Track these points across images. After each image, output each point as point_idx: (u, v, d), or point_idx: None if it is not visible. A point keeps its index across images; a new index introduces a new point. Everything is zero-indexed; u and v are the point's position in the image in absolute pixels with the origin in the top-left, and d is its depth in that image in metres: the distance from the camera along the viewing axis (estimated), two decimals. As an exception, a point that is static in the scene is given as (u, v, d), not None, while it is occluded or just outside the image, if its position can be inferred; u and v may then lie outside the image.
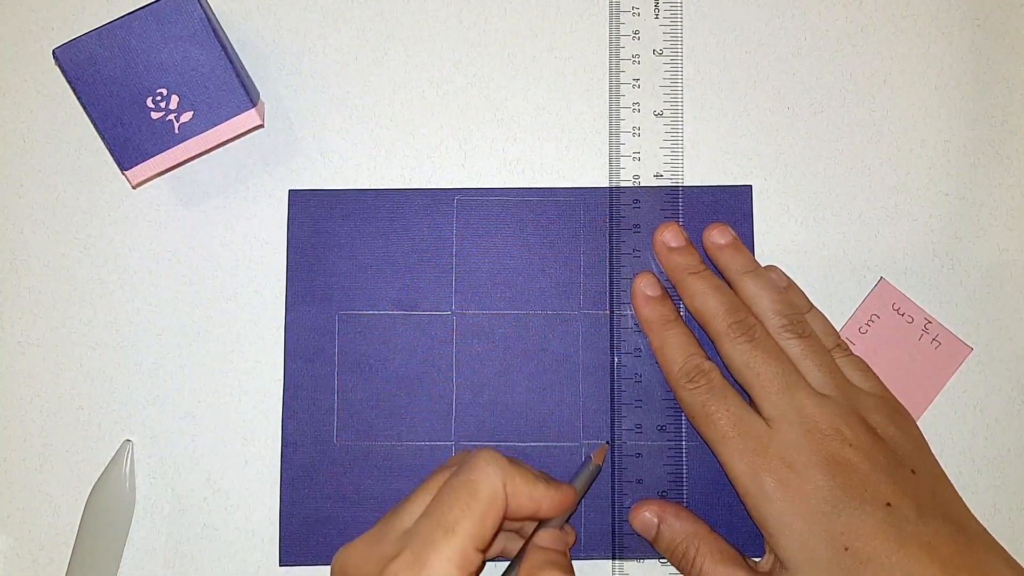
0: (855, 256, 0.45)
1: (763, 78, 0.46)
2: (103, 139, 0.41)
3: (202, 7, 0.41)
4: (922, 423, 0.44)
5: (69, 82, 0.41)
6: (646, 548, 0.43)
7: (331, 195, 0.45)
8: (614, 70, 0.45)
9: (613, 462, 0.43)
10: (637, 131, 0.45)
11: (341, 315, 0.44)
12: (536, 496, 0.37)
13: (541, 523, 0.39)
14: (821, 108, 0.46)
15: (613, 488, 0.43)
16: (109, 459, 0.43)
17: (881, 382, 0.42)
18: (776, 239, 0.45)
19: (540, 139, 0.46)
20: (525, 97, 0.46)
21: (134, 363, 0.44)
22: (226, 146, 0.45)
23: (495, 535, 0.35)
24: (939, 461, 0.41)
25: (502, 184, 0.45)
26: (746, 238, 0.45)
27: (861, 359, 0.42)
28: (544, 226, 0.45)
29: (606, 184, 0.45)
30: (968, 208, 0.45)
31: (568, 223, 0.45)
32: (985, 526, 0.44)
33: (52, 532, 0.43)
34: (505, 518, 0.36)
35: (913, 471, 0.39)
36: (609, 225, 0.44)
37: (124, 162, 0.42)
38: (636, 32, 0.45)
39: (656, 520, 0.41)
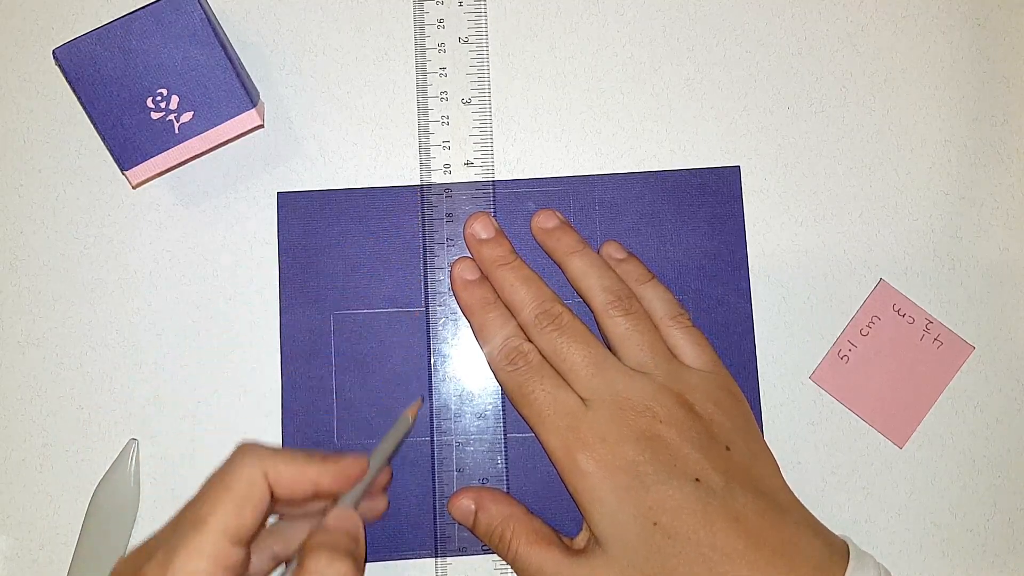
0: (855, 256, 0.45)
1: (763, 78, 0.46)
2: (103, 139, 0.41)
3: (202, 7, 0.41)
4: (922, 422, 0.44)
5: (69, 82, 0.41)
6: (470, 542, 0.43)
7: (320, 196, 0.45)
8: (420, 60, 0.45)
9: (433, 453, 0.43)
10: (446, 120, 0.45)
11: (336, 315, 0.44)
12: (308, 475, 0.36)
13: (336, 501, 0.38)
14: (821, 108, 0.46)
15: (434, 482, 0.43)
16: (109, 459, 0.43)
17: (715, 357, 0.42)
18: (775, 239, 0.45)
19: (540, 138, 0.46)
20: (525, 97, 0.46)
21: (134, 363, 0.44)
22: (226, 146, 0.45)
23: (259, 526, 0.35)
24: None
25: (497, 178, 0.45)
26: (736, 219, 0.45)
27: (699, 333, 0.42)
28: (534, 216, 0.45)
29: (596, 172, 0.45)
30: (968, 208, 0.45)
31: (559, 212, 0.44)
32: (984, 527, 0.44)
33: (52, 532, 0.43)
34: (281, 504, 0.36)
35: (728, 448, 0.39)
36: (421, 216, 0.44)
37: (124, 162, 0.42)
38: (441, 21, 0.45)
39: (473, 506, 0.41)
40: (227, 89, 0.41)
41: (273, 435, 0.44)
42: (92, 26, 0.41)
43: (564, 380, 0.40)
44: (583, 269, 0.42)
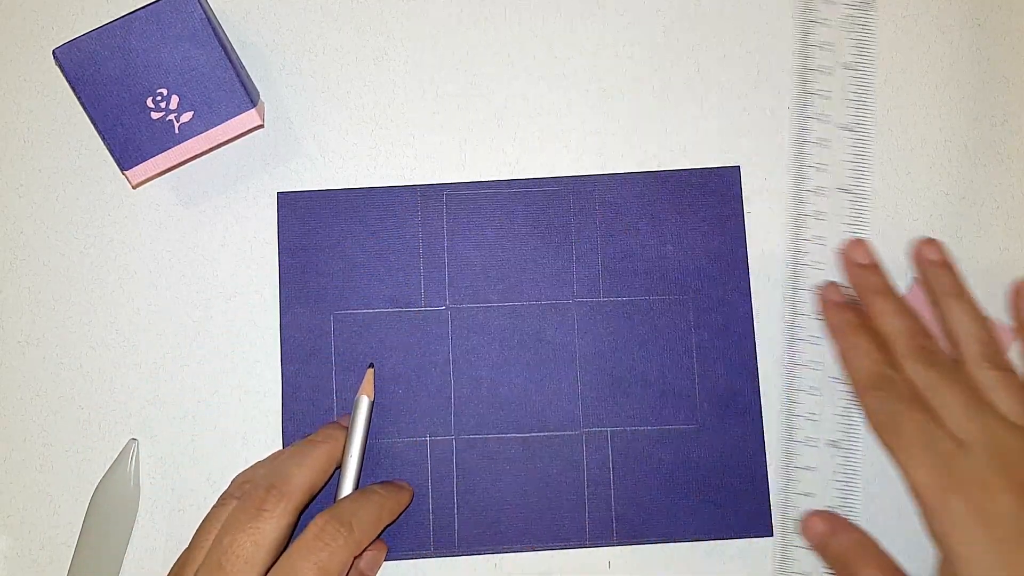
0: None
1: (763, 78, 0.46)
2: (103, 139, 0.41)
3: (202, 7, 0.41)
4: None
5: (69, 82, 0.41)
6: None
7: (320, 196, 0.45)
8: (802, 80, 0.45)
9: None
10: (824, 142, 0.45)
11: (336, 315, 0.44)
12: (382, 521, 0.40)
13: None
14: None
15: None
16: (109, 459, 0.43)
17: None
18: (776, 239, 0.45)
19: (540, 139, 0.46)
20: (525, 97, 0.46)
21: (134, 363, 0.44)
22: (226, 146, 0.45)
23: None
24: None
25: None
26: (736, 219, 0.45)
27: None
28: (535, 216, 0.45)
29: (596, 172, 0.45)
30: (968, 208, 0.45)
31: (559, 212, 0.45)
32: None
33: (52, 532, 0.43)
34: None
35: None
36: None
37: (124, 162, 0.42)
38: (829, 44, 0.45)
39: (826, 530, 0.41)
40: (227, 89, 0.41)
41: (273, 435, 0.44)
42: (92, 26, 0.41)
43: (935, 416, 0.39)
44: (959, 316, 0.41)
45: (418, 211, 0.45)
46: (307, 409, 0.43)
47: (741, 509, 0.43)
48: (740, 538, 0.43)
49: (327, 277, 0.44)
